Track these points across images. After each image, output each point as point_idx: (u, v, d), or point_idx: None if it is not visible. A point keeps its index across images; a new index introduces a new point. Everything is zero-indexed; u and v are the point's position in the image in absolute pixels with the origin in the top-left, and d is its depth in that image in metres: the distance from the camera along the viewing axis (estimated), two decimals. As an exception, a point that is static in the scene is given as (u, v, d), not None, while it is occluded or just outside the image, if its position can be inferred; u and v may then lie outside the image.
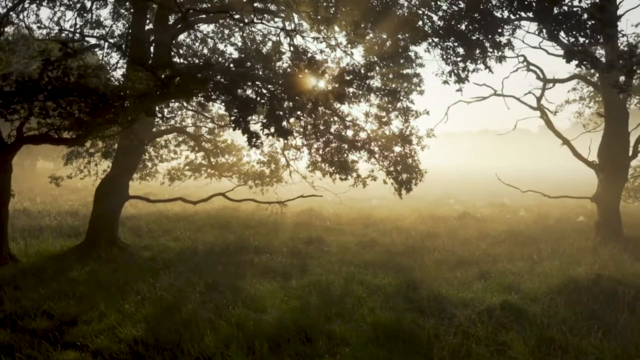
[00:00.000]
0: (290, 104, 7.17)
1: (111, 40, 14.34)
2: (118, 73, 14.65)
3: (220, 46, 15.90)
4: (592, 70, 13.71)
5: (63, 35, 13.73)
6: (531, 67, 14.53)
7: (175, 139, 15.90)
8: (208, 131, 15.74)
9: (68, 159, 14.69)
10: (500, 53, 8.06)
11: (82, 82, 7.26)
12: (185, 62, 14.57)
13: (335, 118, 11.64)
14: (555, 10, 6.56)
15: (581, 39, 6.99)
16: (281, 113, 6.78)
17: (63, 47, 6.72)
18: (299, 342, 6.03)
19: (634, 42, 14.99)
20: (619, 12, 12.86)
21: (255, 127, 8.24)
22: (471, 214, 18.02)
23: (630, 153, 12.60)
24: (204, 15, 11.56)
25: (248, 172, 16.42)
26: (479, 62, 7.99)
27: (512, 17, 7.03)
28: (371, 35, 10.19)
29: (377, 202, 21.70)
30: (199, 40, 16.31)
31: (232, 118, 6.26)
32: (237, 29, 15.49)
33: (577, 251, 11.07)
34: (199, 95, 7.47)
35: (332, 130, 11.72)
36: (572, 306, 7.00)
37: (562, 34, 6.94)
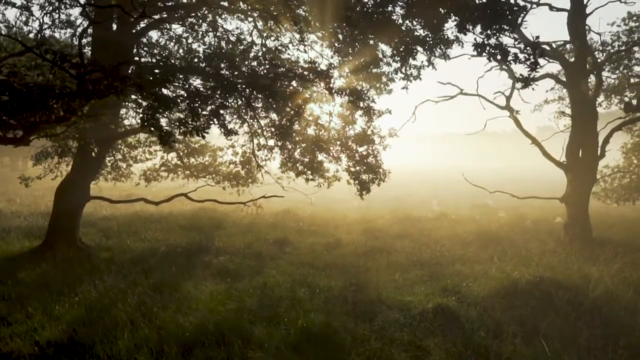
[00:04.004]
0: (222, 102, 7.02)
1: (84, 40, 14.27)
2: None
3: (195, 46, 15.83)
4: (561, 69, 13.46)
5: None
6: (503, 66, 14.34)
7: (147, 140, 15.76)
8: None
9: (37, 159, 14.58)
10: (445, 49, 7.86)
11: (12, 80, 7.14)
12: (159, 61, 14.45)
13: (297, 117, 11.51)
14: (465, 3, 6.39)
15: (490, 31, 6.82)
16: (209, 111, 6.64)
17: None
18: (214, 346, 5.88)
19: (610, 41, 14.75)
20: (588, 9, 12.68)
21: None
22: (448, 215, 17.76)
23: (599, 153, 12.26)
24: (157, 16, 11.43)
25: (223, 173, 16.30)
26: (422, 60, 7.78)
27: (433, 12, 6.86)
28: (322, 33, 10.02)
29: (359, 204, 21.45)
30: (173, 40, 16.25)
31: (140, 116, 6.16)
32: (210, 29, 15.38)
33: (540, 253, 10.80)
34: (135, 93, 7.36)
35: (295, 128, 11.57)
36: (507, 310, 6.79)
37: (469, 25, 6.77)
